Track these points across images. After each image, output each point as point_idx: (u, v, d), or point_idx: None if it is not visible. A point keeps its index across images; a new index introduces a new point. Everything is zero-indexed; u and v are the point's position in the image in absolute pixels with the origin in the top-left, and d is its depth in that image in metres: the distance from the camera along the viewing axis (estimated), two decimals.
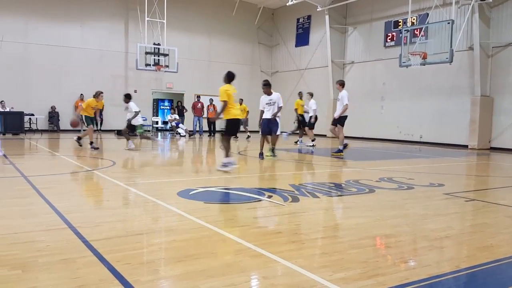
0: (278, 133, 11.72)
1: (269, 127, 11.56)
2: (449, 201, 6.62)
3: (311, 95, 16.74)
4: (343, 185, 7.75)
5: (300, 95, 17.73)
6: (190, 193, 6.53)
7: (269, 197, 6.30)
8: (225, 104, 8.98)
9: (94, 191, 6.81)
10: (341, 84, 12.63)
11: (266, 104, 11.46)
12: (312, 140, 16.42)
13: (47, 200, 5.72)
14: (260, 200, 6.10)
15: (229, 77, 9.39)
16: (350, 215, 5.51)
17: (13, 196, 6.17)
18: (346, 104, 12.18)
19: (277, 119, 11.55)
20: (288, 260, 3.58)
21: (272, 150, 11.74)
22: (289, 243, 4.15)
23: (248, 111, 21.06)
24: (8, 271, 3.22)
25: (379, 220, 5.28)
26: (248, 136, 20.66)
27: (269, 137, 11.91)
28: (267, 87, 11.49)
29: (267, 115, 11.46)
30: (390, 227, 4.93)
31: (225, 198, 6.51)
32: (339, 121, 12.50)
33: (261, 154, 11.64)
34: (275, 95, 11.50)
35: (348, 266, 3.50)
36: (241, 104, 20.72)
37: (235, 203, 6.05)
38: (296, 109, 17.57)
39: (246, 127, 21.31)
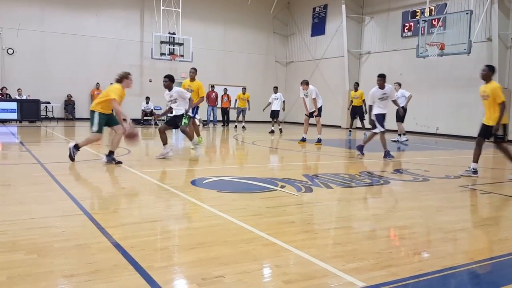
0: (381, 130, 10.35)
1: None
2: (465, 194, 6.56)
3: (399, 85, 15.53)
4: (357, 176, 7.72)
5: (355, 86, 17.43)
6: (203, 182, 6.56)
7: (282, 187, 6.30)
8: (504, 107, 7.55)
9: (109, 179, 6.87)
10: (306, 83, 13.26)
11: (379, 99, 10.34)
12: (403, 135, 15.59)
13: (63, 187, 5.79)
14: (273, 190, 6.10)
15: (494, 71, 7.94)
16: (364, 206, 5.49)
17: (29, 182, 6.26)
18: (314, 98, 13.10)
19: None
20: (300, 250, 3.58)
21: (386, 153, 10.39)
22: (302, 233, 4.16)
23: (248, 101, 20.77)
24: (24, 256, 3.28)
25: (393, 211, 5.26)
26: (242, 127, 20.23)
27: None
28: (382, 78, 10.46)
29: (379, 110, 10.34)
30: (404, 218, 4.91)
31: (238, 187, 6.52)
32: (319, 113, 13.34)
33: (388, 153, 10.33)
34: (388, 88, 10.46)
35: (361, 256, 3.50)
36: (244, 93, 20.58)
37: (248, 192, 6.07)
38: (351, 101, 17.49)
39: (244, 117, 20.94)
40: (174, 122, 9.46)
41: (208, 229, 4.20)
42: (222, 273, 3.05)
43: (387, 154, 10.25)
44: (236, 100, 21.10)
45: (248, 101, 20.72)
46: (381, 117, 10.31)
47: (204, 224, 4.37)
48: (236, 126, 20.64)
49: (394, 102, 10.59)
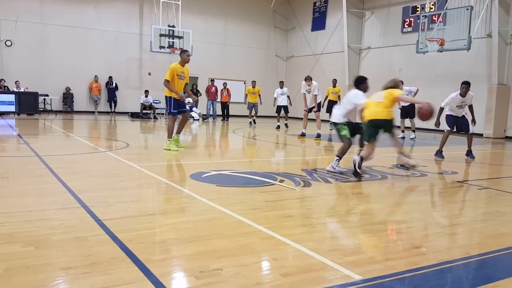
0: (471, 131, 10.04)
1: (456, 124, 10.10)
2: (462, 189, 6.58)
3: (402, 82, 14.42)
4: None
5: (334, 82, 18.25)
6: (202, 176, 6.56)
7: (281, 181, 6.31)
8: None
9: (108, 172, 6.87)
10: (311, 79, 13.49)
11: (457, 106, 9.96)
12: (402, 132, 15.32)
13: (61, 180, 5.79)
14: (272, 184, 6.10)
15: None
16: (361, 201, 5.50)
17: (28, 175, 6.25)
18: (316, 95, 13.38)
19: (465, 115, 10.06)
20: (298, 243, 3.59)
21: (468, 152, 10.08)
22: (300, 227, 4.17)
23: (259, 95, 19.55)
24: (21, 248, 3.28)
25: (390, 206, 5.27)
26: (253, 122, 19.12)
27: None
28: (467, 86, 9.90)
29: (450, 112, 10.09)
30: (402, 213, 4.92)
31: (237, 181, 6.52)
32: (318, 108, 13.66)
33: (439, 152, 9.99)
34: (468, 96, 9.89)
35: (358, 250, 3.51)
36: (254, 87, 19.45)
37: (247, 186, 6.07)
38: (326, 96, 17.88)
39: (256, 112, 19.80)
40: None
41: (206, 222, 4.21)
42: (220, 266, 3.06)
43: (438, 153, 9.96)
44: (246, 95, 19.88)
45: (259, 95, 19.53)
46: (450, 118, 10.08)
47: (202, 218, 4.37)
48: (250, 122, 19.19)
49: (470, 107, 10.02)
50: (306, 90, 13.54)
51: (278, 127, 17.42)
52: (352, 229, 4.21)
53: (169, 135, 9.50)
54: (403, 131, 15.45)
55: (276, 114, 18.07)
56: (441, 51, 17.04)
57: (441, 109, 10.01)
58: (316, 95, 13.42)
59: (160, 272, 2.92)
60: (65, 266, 2.97)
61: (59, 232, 3.69)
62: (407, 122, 15.59)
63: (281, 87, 17.94)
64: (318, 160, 9.71)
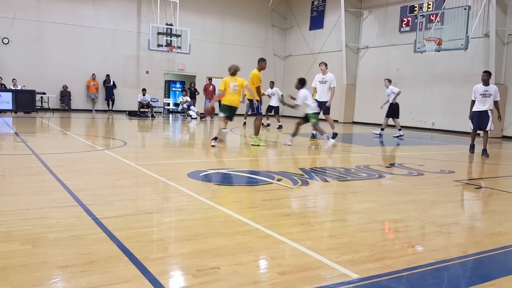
0: (488, 129, 10.43)
1: (479, 122, 10.43)
2: (459, 188, 6.59)
3: (390, 81, 15.48)
4: (353, 170, 7.73)
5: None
6: (200, 175, 6.55)
7: (279, 180, 6.31)
8: None
9: (105, 170, 6.86)
10: (325, 64, 12.70)
11: (480, 94, 10.27)
12: (399, 130, 15.14)
13: (58, 178, 5.77)
14: (269, 183, 6.10)
15: None
16: (359, 200, 5.50)
17: (24, 173, 6.24)
18: (333, 88, 12.42)
19: (489, 112, 10.29)
20: (296, 242, 3.60)
21: (483, 151, 10.54)
22: (298, 225, 4.17)
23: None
24: (18, 246, 3.27)
25: (387, 205, 5.27)
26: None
27: None
28: (486, 74, 10.32)
29: (475, 107, 10.40)
30: (399, 212, 4.92)
31: (235, 180, 6.52)
32: (328, 109, 12.72)
33: (471, 147, 10.79)
34: (492, 87, 10.26)
35: (355, 249, 3.51)
36: (272, 87, 18.53)
37: (245, 185, 6.07)
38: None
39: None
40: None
41: (204, 221, 4.20)
42: (217, 264, 3.06)
43: (471, 148, 10.78)
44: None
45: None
46: (474, 115, 10.47)
47: (200, 216, 4.37)
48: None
49: (496, 104, 10.25)
50: (319, 81, 12.21)
51: (280, 126, 17.14)
52: (349, 227, 4.22)
53: (256, 132, 10.72)
54: (383, 130, 15.45)
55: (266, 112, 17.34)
56: (439, 51, 17.07)
57: (472, 102, 10.49)
58: (333, 88, 12.14)
59: (157, 271, 2.92)
60: (62, 264, 2.97)
61: (56, 230, 3.69)
62: (391, 121, 15.62)
63: (271, 87, 17.79)
64: (315, 159, 9.71)
